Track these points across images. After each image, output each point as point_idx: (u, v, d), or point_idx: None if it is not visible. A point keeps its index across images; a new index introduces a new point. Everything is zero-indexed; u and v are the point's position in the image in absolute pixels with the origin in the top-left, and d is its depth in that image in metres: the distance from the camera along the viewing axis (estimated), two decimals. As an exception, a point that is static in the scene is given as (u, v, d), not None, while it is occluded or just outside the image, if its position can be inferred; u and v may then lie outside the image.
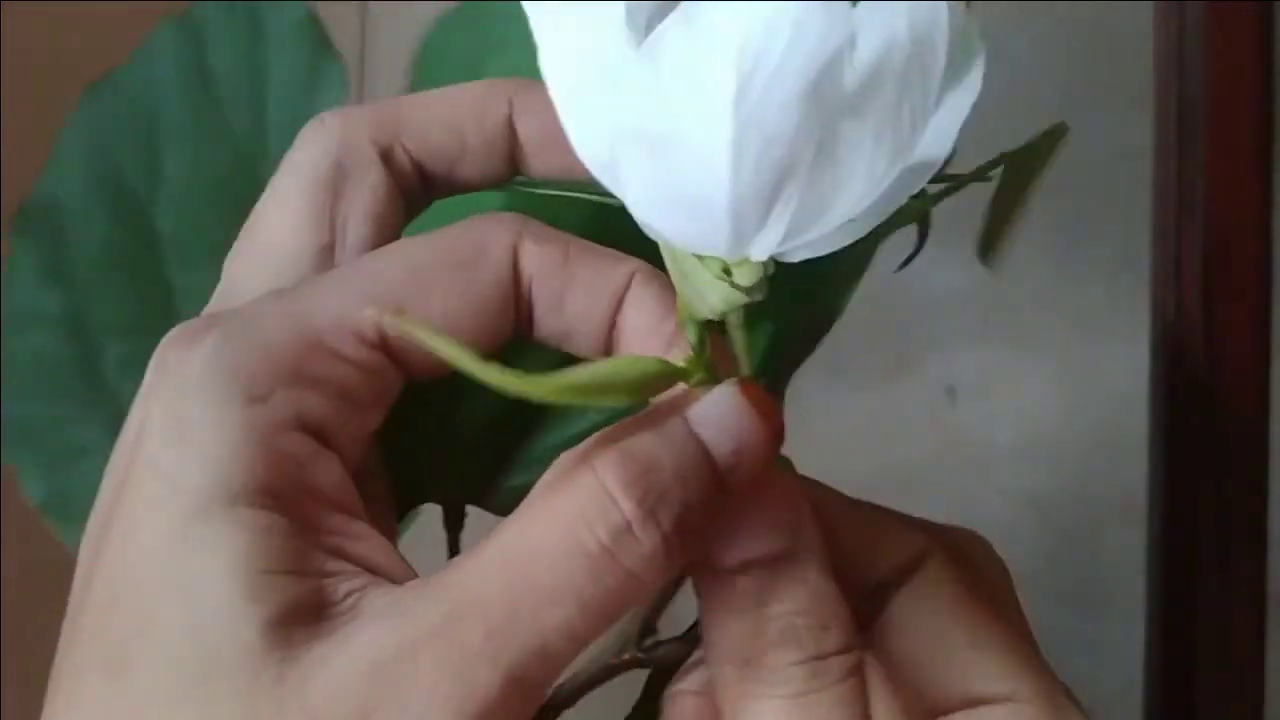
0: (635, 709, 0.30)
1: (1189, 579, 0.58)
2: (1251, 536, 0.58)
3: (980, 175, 0.23)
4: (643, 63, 0.18)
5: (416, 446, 0.28)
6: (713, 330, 0.23)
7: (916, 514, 0.26)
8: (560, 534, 0.21)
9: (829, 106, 0.17)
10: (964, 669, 0.24)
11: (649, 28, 0.18)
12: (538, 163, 0.27)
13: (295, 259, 0.25)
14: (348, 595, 0.21)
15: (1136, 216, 0.59)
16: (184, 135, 0.37)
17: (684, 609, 0.27)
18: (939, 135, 0.19)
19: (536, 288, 0.25)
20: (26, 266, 0.38)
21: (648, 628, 0.30)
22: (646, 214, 0.20)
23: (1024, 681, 0.24)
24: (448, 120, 0.26)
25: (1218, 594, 0.58)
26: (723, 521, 0.22)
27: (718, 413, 0.22)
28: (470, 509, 0.31)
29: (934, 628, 0.24)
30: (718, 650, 0.23)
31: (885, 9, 0.17)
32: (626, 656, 0.29)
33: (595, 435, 0.22)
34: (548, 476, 0.22)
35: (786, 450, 0.23)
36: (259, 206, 0.26)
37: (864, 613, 0.25)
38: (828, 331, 0.31)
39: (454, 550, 0.31)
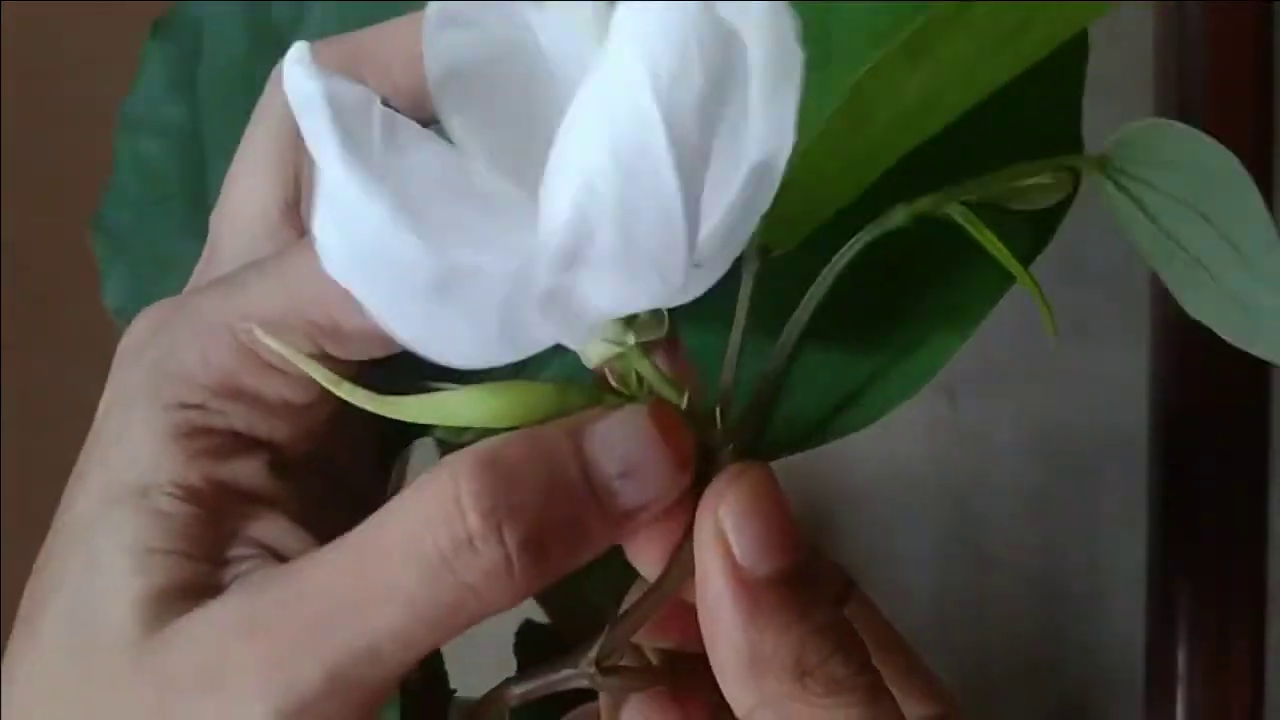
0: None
1: (1189, 579, 0.58)
2: (1251, 536, 0.58)
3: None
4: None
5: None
6: (675, 355, 0.22)
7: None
8: (404, 536, 0.20)
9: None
10: None
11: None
12: None
13: (264, 221, 0.26)
14: (235, 577, 0.22)
15: (1136, 216, 0.58)
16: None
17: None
18: (774, 132, 0.18)
19: None
20: (156, 74, 0.37)
21: (614, 646, 0.22)
22: (609, 304, 0.19)
23: None
24: (409, 54, 0.25)
25: (1218, 594, 0.58)
26: (742, 534, 0.20)
27: (614, 433, 0.21)
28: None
29: None
30: (764, 666, 0.20)
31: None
32: (569, 672, 0.22)
33: (488, 439, 0.21)
34: (424, 473, 0.21)
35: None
36: (236, 157, 0.26)
37: None
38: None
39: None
